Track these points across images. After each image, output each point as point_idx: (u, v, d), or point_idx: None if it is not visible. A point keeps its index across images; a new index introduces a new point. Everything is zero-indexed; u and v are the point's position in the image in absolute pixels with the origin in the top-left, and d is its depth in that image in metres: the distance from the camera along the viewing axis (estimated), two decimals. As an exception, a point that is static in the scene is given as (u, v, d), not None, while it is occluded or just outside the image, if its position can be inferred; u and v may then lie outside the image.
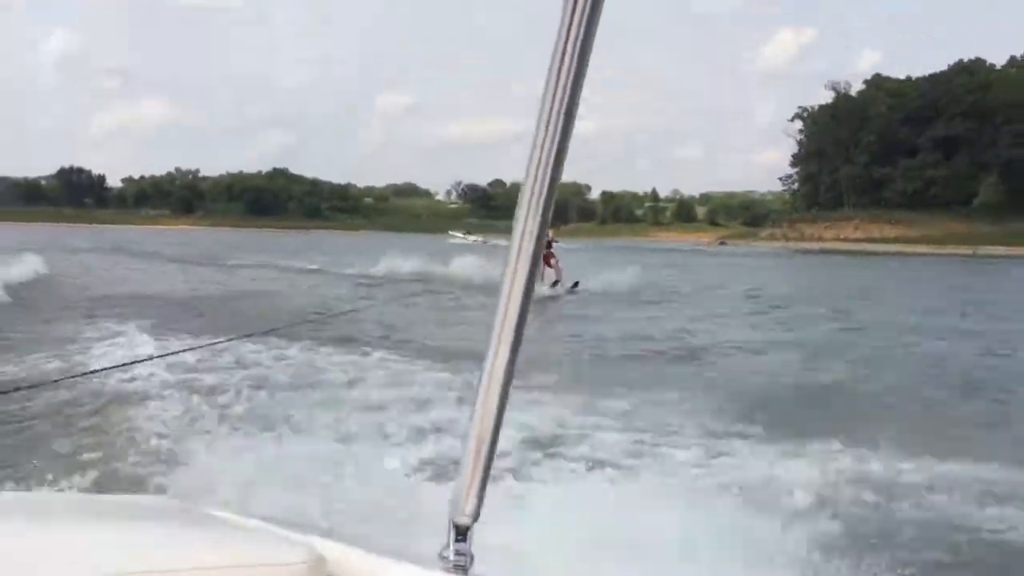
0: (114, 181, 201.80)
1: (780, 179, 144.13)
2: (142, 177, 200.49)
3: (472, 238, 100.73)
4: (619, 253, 58.81)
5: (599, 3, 1.07)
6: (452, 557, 1.32)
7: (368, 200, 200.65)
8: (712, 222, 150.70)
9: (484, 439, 1.25)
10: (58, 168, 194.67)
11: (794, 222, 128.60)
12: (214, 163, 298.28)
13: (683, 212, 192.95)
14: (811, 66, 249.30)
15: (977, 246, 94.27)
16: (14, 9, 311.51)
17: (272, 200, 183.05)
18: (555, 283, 24.38)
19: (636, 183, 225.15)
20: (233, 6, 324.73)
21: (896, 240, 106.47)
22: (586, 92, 1.11)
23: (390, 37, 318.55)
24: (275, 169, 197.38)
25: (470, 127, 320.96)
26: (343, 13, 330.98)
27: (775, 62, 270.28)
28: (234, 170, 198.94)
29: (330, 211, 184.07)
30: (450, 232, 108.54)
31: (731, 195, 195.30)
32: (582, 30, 1.08)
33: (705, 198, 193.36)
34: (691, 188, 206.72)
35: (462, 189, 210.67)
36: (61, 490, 5.66)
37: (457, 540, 1.32)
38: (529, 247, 1.17)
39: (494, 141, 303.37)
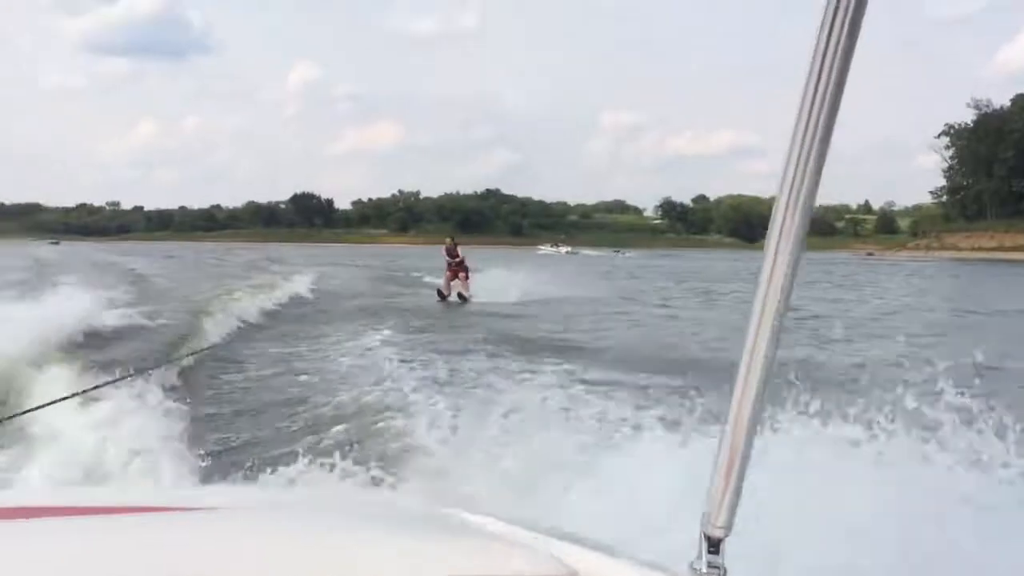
0: (343, 204, 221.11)
1: (930, 192, 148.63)
2: (369, 200, 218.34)
3: (564, 249, 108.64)
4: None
5: (862, 7, 1.01)
6: (704, 570, 1.27)
7: (572, 217, 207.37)
8: (914, 233, 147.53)
9: (737, 448, 1.21)
10: (292, 194, 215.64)
11: (939, 233, 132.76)
12: (436, 184, 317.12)
13: (885, 224, 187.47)
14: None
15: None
16: (270, 46, 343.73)
17: (480, 219, 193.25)
18: (460, 295, 24.35)
19: (850, 195, 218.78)
20: (462, 31, 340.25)
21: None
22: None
23: (615, 55, 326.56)
24: (488, 190, 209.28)
25: (689, 143, 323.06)
26: (569, 33, 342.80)
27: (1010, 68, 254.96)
28: (452, 191, 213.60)
29: (533, 228, 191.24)
30: (539, 246, 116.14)
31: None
32: (844, 35, 1.01)
33: (917, 209, 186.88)
34: (911, 199, 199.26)
35: (662, 205, 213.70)
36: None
37: (709, 552, 1.27)
38: (785, 256, 1.10)
39: (712, 156, 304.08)
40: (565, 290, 26.50)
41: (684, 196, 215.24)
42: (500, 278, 27.22)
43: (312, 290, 25.78)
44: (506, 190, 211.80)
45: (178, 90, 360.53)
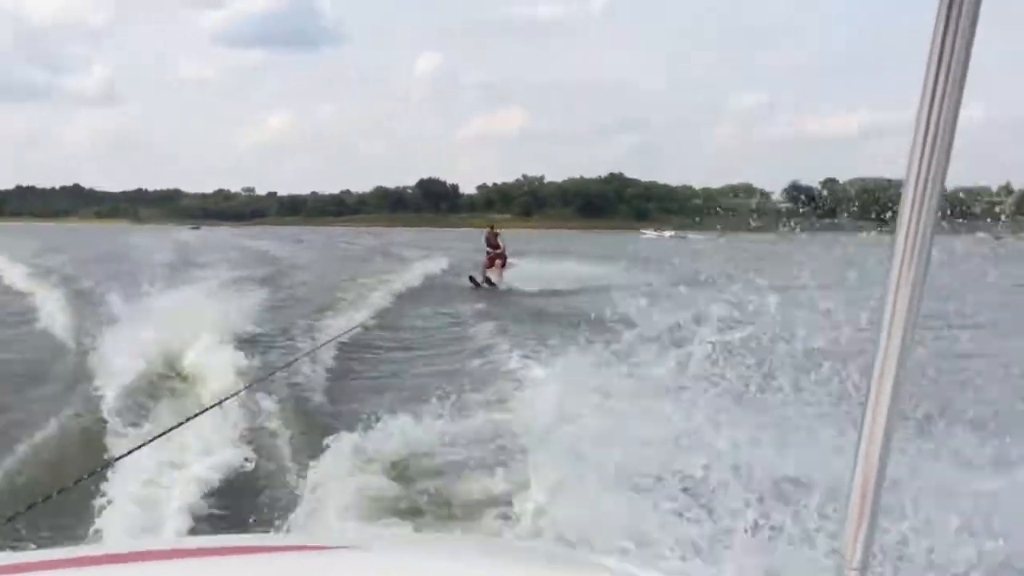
0: (468, 189, 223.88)
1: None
2: (494, 184, 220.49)
3: (668, 233, 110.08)
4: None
5: None
6: None
7: (696, 201, 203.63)
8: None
9: (870, 479, 1.10)
10: (418, 180, 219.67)
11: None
12: (560, 169, 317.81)
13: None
14: None
15: None
16: (398, 35, 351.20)
17: (603, 203, 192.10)
18: (488, 280, 25.30)
19: (984, 176, 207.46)
20: (588, 16, 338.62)
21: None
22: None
23: (743, 38, 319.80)
24: (611, 174, 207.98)
25: (818, 125, 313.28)
26: (697, 15, 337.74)
27: None
28: (576, 175, 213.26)
29: (657, 212, 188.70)
30: (641, 230, 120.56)
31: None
32: (965, 9, 0.96)
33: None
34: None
35: (789, 188, 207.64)
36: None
37: None
38: (917, 242, 1.00)
39: (841, 139, 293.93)
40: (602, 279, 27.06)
41: (813, 179, 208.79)
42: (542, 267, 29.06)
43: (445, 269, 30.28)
44: (630, 174, 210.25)
45: (310, 79, 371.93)
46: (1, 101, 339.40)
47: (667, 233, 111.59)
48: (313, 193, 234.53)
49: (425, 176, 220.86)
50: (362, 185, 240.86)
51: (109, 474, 6.18)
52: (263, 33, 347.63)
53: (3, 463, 7.21)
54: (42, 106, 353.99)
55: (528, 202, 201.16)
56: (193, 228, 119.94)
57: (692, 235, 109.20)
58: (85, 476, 5.03)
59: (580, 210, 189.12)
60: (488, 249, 26.04)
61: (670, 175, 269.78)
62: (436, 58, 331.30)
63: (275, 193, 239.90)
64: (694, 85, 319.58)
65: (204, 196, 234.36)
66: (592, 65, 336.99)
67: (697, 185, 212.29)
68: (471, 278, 25.33)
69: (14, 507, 5.65)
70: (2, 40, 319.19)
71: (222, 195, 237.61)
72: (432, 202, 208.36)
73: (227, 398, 4.81)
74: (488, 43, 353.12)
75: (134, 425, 8.31)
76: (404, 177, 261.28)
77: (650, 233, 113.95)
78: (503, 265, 25.40)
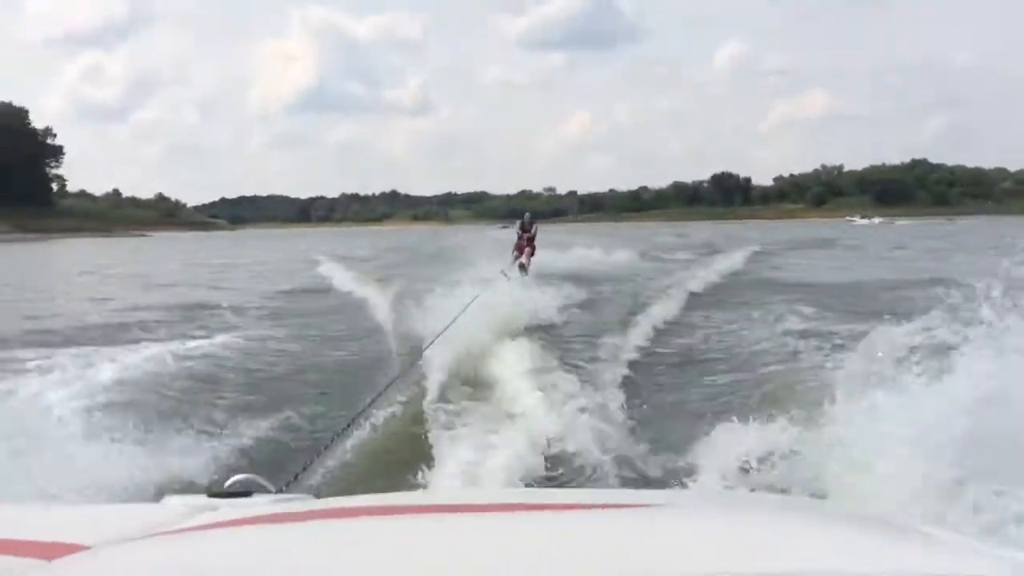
0: (766, 180, 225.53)
1: None
2: (791, 175, 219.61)
3: (877, 220, 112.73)
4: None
5: None
6: None
7: (1006, 184, 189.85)
8: None
9: None
10: (711, 174, 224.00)
11: None
12: (862, 156, 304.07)
13: None
14: None
15: None
16: (697, 28, 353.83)
17: (902, 190, 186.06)
18: (522, 266, 23.20)
19: None
20: None
21: None
22: None
23: None
24: (914, 160, 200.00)
25: None
26: None
27: None
28: (877, 162, 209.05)
29: (960, 197, 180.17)
30: (847, 217, 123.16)
31: None
32: None
33: None
34: None
35: None
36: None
37: None
38: None
39: None
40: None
41: None
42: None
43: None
44: (936, 159, 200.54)
45: (610, 78, 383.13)
46: (328, 114, 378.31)
47: (877, 220, 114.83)
48: (611, 190, 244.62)
49: (721, 170, 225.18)
50: (659, 181, 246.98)
51: None
52: (565, 35, 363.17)
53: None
54: (363, 118, 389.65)
55: (822, 192, 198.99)
56: (503, 227, 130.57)
57: (901, 221, 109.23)
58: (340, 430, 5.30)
59: (877, 197, 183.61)
60: (520, 232, 24.69)
61: (982, 158, 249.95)
62: (737, 47, 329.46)
63: (575, 192, 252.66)
64: (1015, 58, 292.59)
65: (508, 197, 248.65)
66: (901, 41, 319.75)
67: (1013, 167, 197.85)
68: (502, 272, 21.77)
69: None
70: (328, 57, 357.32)
71: (525, 195, 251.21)
72: (725, 195, 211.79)
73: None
74: (792, 26, 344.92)
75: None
76: (703, 170, 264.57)
77: (858, 220, 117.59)
78: (532, 253, 23.96)
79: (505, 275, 21.22)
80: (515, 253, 23.73)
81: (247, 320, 16.56)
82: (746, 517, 1.43)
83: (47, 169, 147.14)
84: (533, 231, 24.63)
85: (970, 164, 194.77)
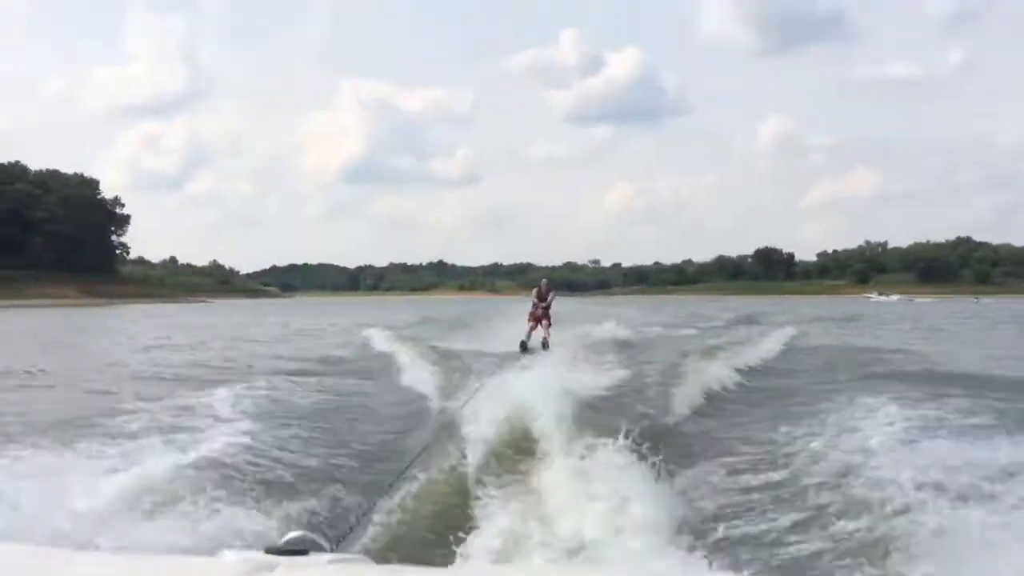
0: (809, 255, 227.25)
1: None
2: (834, 251, 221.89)
3: (895, 297, 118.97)
4: None
5: None
6: None
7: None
8: None
9: None
10: (754, 249, 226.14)
11: None
12: (907, 234, 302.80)
13: None
14: None
15: None
16: (741, 102, 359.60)
17: (944, 268, 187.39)
18: (544, 342, 21.60)
19: None
20: (942, 71, 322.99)
21: None
22: None
23: None
24: (958, 238, 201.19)
25: None
26: None
27: None
28: (923, 239, 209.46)
29: (1003, 276, 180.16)
30: (865, 295, 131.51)
31: None
32: None
33: None
34: None
35: None
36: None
37: None
38: None
39: None
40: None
41: None
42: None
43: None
44: (980, 237, 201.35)
45: (653, 151, 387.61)
46: (377, 185, 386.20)
47: (894, 297, 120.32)
48: (656, 263, 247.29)
49: (764, 245, 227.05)
50: (703, 254, 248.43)
51: None
52: (608, 110, 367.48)
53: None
54: (412, 188, 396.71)
55: (864, 268, 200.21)
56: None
57: (921, 299, 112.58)
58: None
59: (920, 275, 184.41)
60: (536, 301, 22.64)
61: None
62: (781, 123, 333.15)
63: (619, 264, 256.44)
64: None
65: (553, 268, 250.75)
66: (948, 122, 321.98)
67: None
68: (521, 343, 21.27)
69: None
70: (380, 131, 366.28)
71: (569, 267, 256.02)
72: (768, 270, 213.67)
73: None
74: (836, 104, 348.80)
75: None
76: (743, 245, 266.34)
77: (875, 296, 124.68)
78: (549, 324, 22.00)
79: (525, 348, 20.76)
80: (530, 324, 21.97)
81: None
82: None
83: (113, 237, 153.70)
84: (550, 300, 22.65)
85: (1017, 243, 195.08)
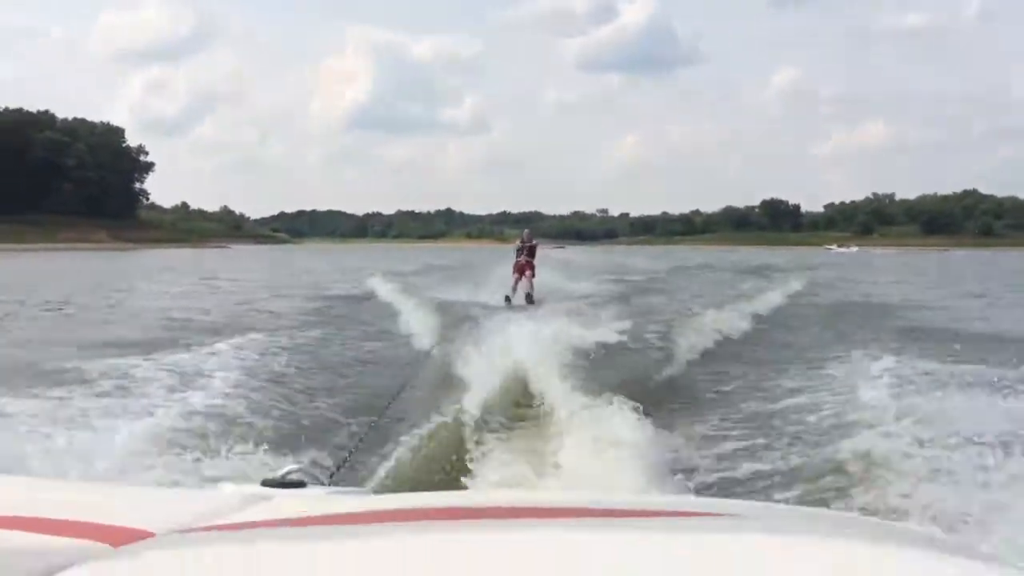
0: (816, 206, 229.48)
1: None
2: (841, 203, 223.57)
3: (854, 248, 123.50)
4: None
5: None
6: None
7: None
8: None
9: None
10: (760, 200, 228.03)
11: None
12: (915, 186, 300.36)
13: None
14: None
15: None
16: (755, 52, 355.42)
17: (947, 220, 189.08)
18: (528, 296, 21.15)
19: None
20: (959, 21, 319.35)
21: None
22: None
23: None
24: (965, 190, 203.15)
25: None
26: None
27: None
28: (930, 192, 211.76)
29: (1006, 229, 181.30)
30: (826, 246, 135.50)
31: None
32: None
33: None
34: None
35: None
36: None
37: None
38: None
39: None
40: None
41: None
42: None
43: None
44: (986, 189, 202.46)
45: (664, 101, 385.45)
46: (385, 132, 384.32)
47: (853, 248, 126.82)
48: (663, 213, 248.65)
49: (771, 196, 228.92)
50: (711, 204, 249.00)
51: None
52: (620, 58, 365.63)
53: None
54: (420, 136, 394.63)
55: (869, 220, 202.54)
56: (558, 247, 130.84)
57: (879, 250, 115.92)
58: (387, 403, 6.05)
59: (924, 227, 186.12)
60: (520, 244, 22.51)
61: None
62: (794, 73, 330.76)
63: (627, 214, 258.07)
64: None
65: (562, 218, 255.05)
66: (963, 73, 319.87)
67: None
68: (506, 297, 21.10)
69: None
70: (387, 79, 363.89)
71: (578, 216, 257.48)
72: (775, 221, 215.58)
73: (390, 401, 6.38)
74: (850, 55, 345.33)
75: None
76: (751, 196, 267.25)
77: (835, 248, 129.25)
78: (532, 274, 21.57)
79: (509, 302, 20.73)
80: (515, 276, 21.62)
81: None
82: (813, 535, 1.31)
83: (135, 184, 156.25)
84: (532, 246, 22.24)
85: (1023, 195, 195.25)
